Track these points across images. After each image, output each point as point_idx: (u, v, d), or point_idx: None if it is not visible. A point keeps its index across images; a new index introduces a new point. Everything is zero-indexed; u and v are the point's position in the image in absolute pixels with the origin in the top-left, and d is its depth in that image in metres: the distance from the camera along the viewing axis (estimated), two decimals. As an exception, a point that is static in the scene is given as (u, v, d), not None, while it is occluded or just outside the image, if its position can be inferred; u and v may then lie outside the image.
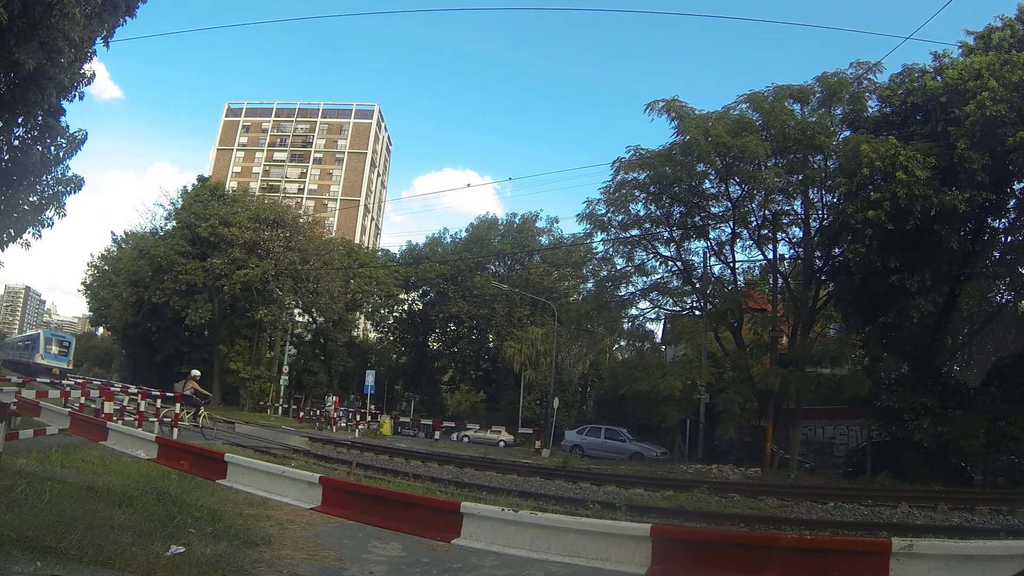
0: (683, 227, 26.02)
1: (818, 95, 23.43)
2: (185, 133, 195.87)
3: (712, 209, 25.66)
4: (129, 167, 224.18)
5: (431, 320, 51.08)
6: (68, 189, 10.88)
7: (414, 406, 51.90)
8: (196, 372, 19.23)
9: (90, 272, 57.44)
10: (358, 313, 53.03)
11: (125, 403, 18.26)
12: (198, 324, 41.10)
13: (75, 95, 10.10)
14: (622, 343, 37.57)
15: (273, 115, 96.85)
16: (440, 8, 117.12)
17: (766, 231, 25.48)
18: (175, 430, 14.77)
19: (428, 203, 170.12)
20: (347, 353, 50.31)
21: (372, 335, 59.07)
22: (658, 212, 26.00)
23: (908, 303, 18.45)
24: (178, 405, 15.93)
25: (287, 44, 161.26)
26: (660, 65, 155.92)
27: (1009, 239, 20.80)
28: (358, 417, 32.25)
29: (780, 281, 25.46)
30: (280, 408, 41.22)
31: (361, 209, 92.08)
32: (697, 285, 26.67)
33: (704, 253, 27.09)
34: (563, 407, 36.86)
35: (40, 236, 10.99)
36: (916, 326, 18.95)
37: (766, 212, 24.79)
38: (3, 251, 10.65)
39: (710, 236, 26.25)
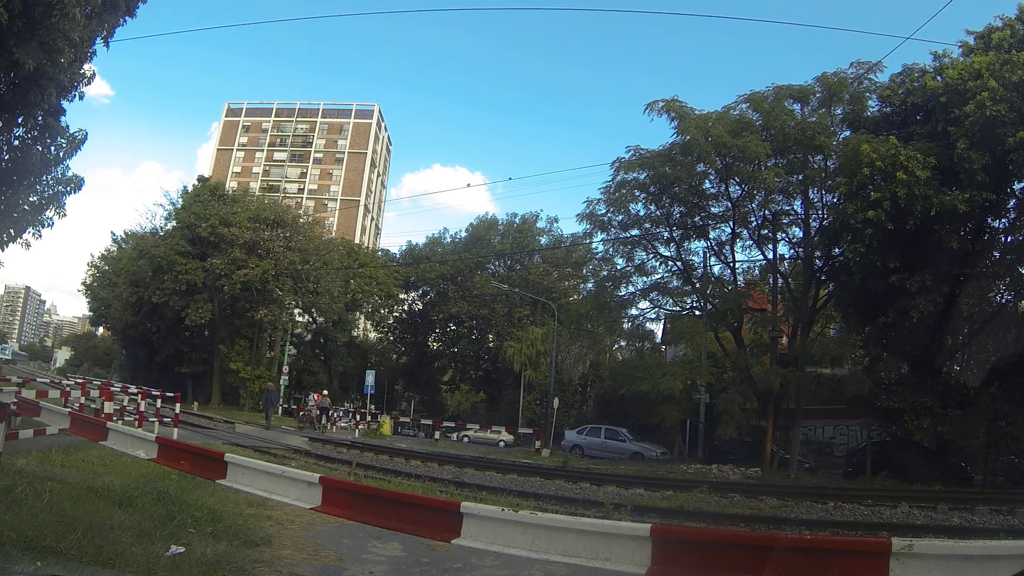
0: (683, 227, 25.97)
1: (818, 95, 23.39)
2: (175, 132, 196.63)
3: (712, 209, 25.61)
4: (117, 165, 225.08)
5: (431, 320, 51.05)
6: (68, 189, 10.85)
7: (414, 406, 51.93)
8: (325, 391, 30.33)
9: (90, 272, 57.63)
10: (358, 313, 53.02)
11: (125, 403, 18.25)
12: (198, 324, 41.09)
13: (75, 95, 10.05)
14: (622, 343, 37.48)
15: (273, 115, 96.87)
16: (440, 8, 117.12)
17: (766, 231, 25.43)
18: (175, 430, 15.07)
19: (418, 201, 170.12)
20: (347, 353, 50.30)
21: (372, 335, 59.03)
22: (658, 212, 25.95)
23: (908, 303, 18.40)
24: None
25: (287, 44, 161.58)
26: (660, 65, 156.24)
27: (1009, 239, 20.75)
28: (358, 417, 32.19)
29: (780, 281, 25.41)
30: (280, 408, 41.14)
31: (361, 209, 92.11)
32: (697, 285, 26.63)
33: (704, 253, 27.08)
34: (563, 407, 36.84)
35: (40, 236, 10.96)
36: (916, 326, 18.90)
37: (766, 212, 24.75)
38: (3, 251, 10.63)
39: (710, 236, 26.22)
